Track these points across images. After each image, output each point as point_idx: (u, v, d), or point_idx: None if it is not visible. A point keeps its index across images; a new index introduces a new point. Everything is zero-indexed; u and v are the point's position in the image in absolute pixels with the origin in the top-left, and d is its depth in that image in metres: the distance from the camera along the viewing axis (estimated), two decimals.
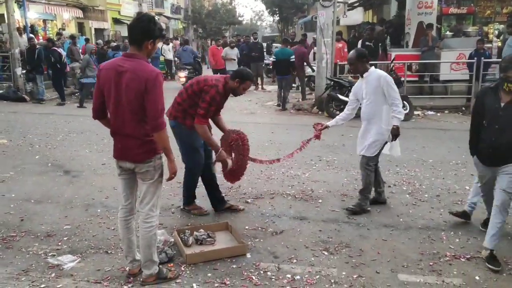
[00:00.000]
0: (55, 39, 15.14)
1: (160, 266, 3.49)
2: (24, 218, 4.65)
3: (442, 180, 5.95)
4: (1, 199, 5.20)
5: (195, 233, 4.10)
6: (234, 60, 14.92)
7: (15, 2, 15.30)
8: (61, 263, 3.71)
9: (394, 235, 4.29)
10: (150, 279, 3.40)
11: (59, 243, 4.09)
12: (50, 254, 3.86)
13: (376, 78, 4.66)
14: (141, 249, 3.36)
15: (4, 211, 4.83)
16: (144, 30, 3.09)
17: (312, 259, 3.83)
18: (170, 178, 3.33)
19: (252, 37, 16.82)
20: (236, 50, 15.22)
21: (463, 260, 3.82)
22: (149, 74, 3.03)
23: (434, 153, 7.31)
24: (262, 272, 3.60)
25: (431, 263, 3.76)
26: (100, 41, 17.97)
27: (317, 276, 3.54)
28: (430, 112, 10.99)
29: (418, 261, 3.79)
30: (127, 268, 3.52)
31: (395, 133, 4.68)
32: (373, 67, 4.83)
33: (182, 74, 15.45)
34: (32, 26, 17.48)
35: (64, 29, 20.42)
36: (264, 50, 16.90)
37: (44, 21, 21.23)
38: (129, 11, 29.53)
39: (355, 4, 19.85)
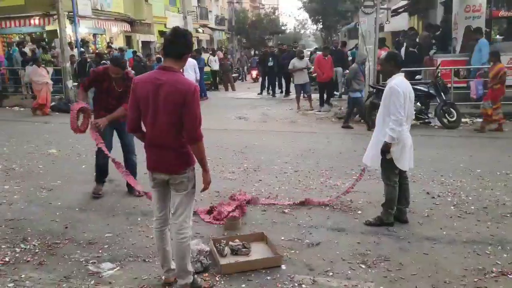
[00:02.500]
0: (105, 51, 15.74)
1: (195, 275, 3.52)
2: (68, 225, 4.82)
3: (491, 191, 5.68)
4: (48, 207, 5.42)
5: (230, 243, 4.10)
6: (304, 69, 13.54)
7: (67, 18, 16.03)
8: (100, 271, 3.80)
9: (437, 249, 4.12)
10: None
11: (100, 251, 4.20)
12: (90, 262, 3.97)
13: (388, 86, 4.48)
14: (175, 259, 3.41)
15: (50, 218, 5.03)
16: (187, 43, 3.22)
17: (349, 272, 3.74)
18: (204, 189, 3.36)
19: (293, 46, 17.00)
20: (305, 60, 14.02)
21: (511, 277, 3.61)
22: (187, 87, 3.11)
23: (482, 162, 6.99)
24: (296, 284, 3.55)
25: (475, 280, 3.58)
26: (139, 53, 18.45)
27: None
28: (478, 120, 10.54)
29: (462, 277, 3.62)
30: (163, 277, 3.59)
31: (382, 149, 4.47)
32: (399, 74, 4.53)
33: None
34: (82, 40, 18.26)
35: (112, 43, 21.26)
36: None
37: (94, 35, 22.16)
38: (174, 23, 30.03)
39: (400, 10, 19.44)
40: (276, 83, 17.24)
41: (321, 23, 43.44)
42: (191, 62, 12.47)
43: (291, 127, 10.64)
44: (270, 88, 17.22)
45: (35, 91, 13.16)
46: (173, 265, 3.52)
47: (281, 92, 17.22)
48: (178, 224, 3.33)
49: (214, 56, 20.10)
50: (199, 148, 3.20)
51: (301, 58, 13.68)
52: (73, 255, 4.11)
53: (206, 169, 3.30)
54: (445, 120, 9.85)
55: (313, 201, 5.33)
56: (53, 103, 13.89)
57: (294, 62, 13.41)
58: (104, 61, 13.46)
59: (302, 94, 13.62)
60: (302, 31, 70.85)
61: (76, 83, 14.00)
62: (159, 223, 3.46)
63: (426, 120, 10.09)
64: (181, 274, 3.40)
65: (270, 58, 16.81)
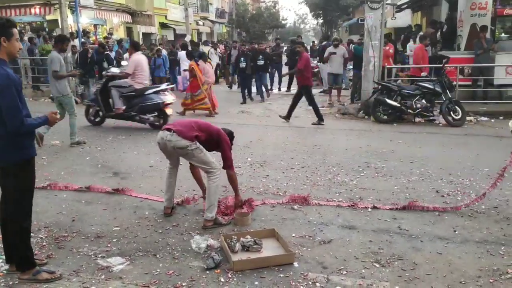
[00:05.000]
0: (104, 42, 15.61)
1: (216, 215, 4.50)
2: (75, 218, 4.76)
3: (500, 191, 5.62)
4: (53, 199, 5.35)
5: (241, 239, 4.04)
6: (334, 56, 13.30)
7: (68, 8, 15.87)
8: (110, 265, 3.74)
9: (450, 249, 4.07)
10: (209, 223, 4.43)
11: (109, 245, 4.14)
12: (100, 256, 3.91)
13: None
14: (206, 197, 4.48)
15: (57, 211, 4.97)
16: None
17: (363, 271, 3.69)
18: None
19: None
20: (342, 48, 13.68)
21: None
22: None
23: (489, 161, 6.94)
24: (310, 283, 3.49)
25: (491, 280, 3.53)
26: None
27: None
28: (483, 118, 10.51)
29: (477, 278, 3.57)
30: (164, 206, 4.79)
31: None
32: None
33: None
34: (83, 31, 18.10)
35: (112, 34, 21.09)
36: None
37: (95, 26, 21.98)
38: (175, 15, 30.26)
39: (403, 6, 19.34)
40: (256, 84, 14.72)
41: (321, 18, 43.29)
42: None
43: (295, 122, 10.55)
44: (246, 92, 14.28)
45: None
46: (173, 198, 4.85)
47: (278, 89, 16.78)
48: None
49: (216, 49, 19.96)
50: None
51: (336, 46, 13.52)
52: (81, 249, 4.05)
53: None
54: (450, 118, 9.80)
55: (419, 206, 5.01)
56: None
57: (331, 50, 13.46)
58: (107, 52, 13.35)
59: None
60: (302, 26, 70.71)
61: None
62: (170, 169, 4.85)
63: (431, 118, 10.05)
64: (210, 207, 4.45)
65: (242, 59, 14.38)
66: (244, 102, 13.78)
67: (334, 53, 13.22)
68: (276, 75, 16.74)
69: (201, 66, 11.50)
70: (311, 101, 10.22)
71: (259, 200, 5.23)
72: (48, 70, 8.03)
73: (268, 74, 15.52)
